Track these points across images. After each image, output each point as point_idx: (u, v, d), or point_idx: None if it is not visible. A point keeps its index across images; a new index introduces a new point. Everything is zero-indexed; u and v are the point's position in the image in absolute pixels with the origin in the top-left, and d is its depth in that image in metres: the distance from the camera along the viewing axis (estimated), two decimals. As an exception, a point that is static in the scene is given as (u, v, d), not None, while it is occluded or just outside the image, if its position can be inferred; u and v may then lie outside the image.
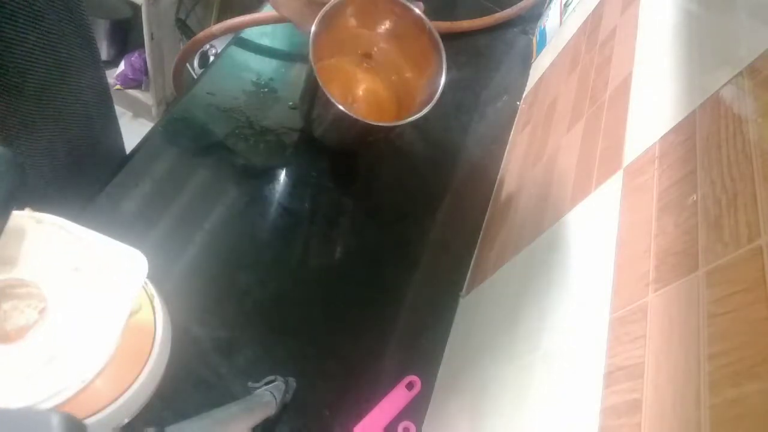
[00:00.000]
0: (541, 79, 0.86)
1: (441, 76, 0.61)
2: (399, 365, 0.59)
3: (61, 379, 0.31)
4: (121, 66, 1.61)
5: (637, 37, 0.53)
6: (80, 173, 0.65)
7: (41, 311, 0.34)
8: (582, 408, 0.33)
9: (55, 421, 0.26)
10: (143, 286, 0.50)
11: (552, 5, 0.95)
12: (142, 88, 1.63)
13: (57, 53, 0.54)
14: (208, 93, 0.72)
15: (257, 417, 0.48)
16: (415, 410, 0.57)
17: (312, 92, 0.61)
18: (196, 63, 1.51)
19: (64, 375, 0.31)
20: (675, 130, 0.38)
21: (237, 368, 0.54)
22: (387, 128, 0.63)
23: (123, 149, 0.77)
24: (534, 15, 1.03)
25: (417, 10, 0.62)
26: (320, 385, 0.56)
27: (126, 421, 0.47)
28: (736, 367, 0.24)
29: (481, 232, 0.73)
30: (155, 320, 0.49)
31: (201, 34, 0.78)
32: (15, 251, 0.35)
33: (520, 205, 0.65)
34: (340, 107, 0.56)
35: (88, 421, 0.43)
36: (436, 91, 0.60)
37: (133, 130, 0.78)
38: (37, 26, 0.51)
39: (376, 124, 0.59)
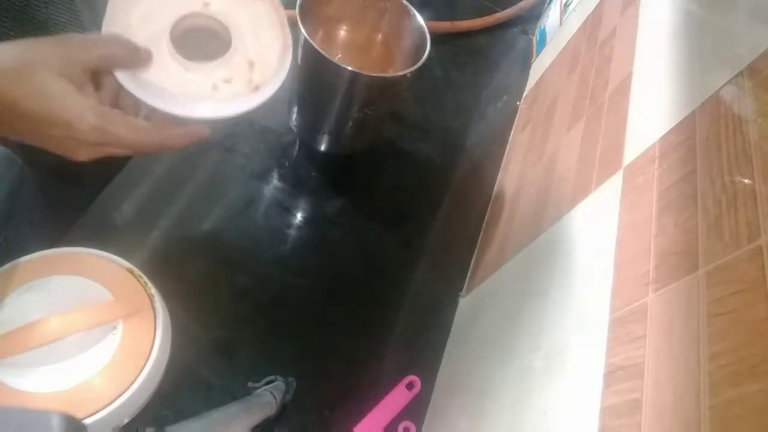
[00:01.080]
0: (541, 79, 0.86)
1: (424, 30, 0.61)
2: (399, 365, 0.59)
3: (268, 69, 0.45)
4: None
5: (637, 37, 0.53)
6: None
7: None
8: (582, 408, 0.33)
9: (55, 421, 0.26)
10: (143, 287, 0.50)
11: (552, 5, 0.95)
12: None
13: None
14: (208, 93, 0.72)
15: (257, 417, 0.48)
16: (415, 410, 0.57)
17: (312, 68, 0.59)
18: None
19: (269, 68, 0.45)
20: (675, 130, 0.38)
21: (237, 368, 0.54)
22: (394, 84, 0.61)
23: None
24: (534, 15, 1.03)
25: None
26: (320, 385, 0.56)
27: (126, 421, 0.47)
28: (736, 367, 0.24)
29: (481, 232, 0.73)
30: (155, 320, 0.49)
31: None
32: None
33: (520, 205, 0.65)
34: (349, 68, 0.54)
35: (88, 421, 0.43)
36: (425, 41, 0.60)
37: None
38: (71, 6, 0.53)
39: (386, 75, 0.58)
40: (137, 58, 0.39)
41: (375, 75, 0.57)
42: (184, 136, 0.42)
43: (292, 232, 0.65)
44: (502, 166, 0.81)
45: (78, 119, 0.35)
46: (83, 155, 0.38)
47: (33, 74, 0.34)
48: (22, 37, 0.44)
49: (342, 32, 0.70)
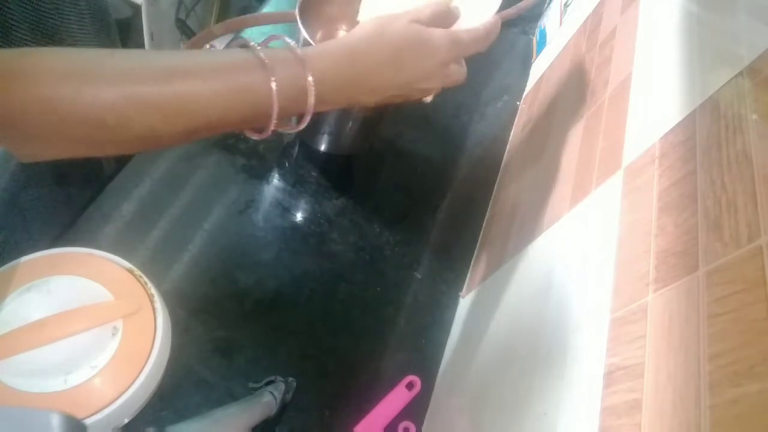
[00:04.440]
0: (541, 79, 0.86)
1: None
2: (399, 365, 0.59)
3: None
4: (122, 66, 1.60)
5: (637, 37, 0.53)
6: (94, 161, 0.66)
7: None
8: (582, 408, 0.33)
9: (55, 421, 0.26)
10: (143, 286, 0.50)
11: (552, 5, 0.95)
12: (143, 88, 1.62)
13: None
14: (208, 93, 0.72)
15: (257, 417, 0.48)
16: (415, 410, 0.57)
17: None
18: (196, 63, 1.50)
19: None
20: (675, 130, 0.38)
21: (237, 368, 0.54)
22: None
23: None
24: (534, 15, 1.03)
25: None
26: (320, 385, 0.56)
27: (126, 421, 0.47)
28: (736, 367, 0.24)
29: (481, 232, 0.73)
30: (155, 320, 0.49)
31: (201, 34, 0.78)
32: None
33: (520, 205, 0.65)
34: None
35: (88, 421, 0.43)
36: None
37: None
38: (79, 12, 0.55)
39: None
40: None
41: None
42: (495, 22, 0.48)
43: (292, 232, 0.65)
44: (502, 166, 0.81)
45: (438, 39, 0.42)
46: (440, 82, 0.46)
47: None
48: (37, 43, 0.45)
49: (342, 32, 0.70)
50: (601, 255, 0.39)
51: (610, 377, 0.32)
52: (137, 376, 0.46)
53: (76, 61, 0.29)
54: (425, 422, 0.57)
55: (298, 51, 0.36)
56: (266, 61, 0.34)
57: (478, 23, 0.48)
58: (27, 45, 0.49)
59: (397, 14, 0.42)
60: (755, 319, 0.24)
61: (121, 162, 0.64)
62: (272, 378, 0.53)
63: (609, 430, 0.30)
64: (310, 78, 0.36)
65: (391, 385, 0.57)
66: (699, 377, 0.26)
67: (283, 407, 0.52)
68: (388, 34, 0.40)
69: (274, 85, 0.34)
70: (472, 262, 0.70)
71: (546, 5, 1.00)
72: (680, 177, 0.35)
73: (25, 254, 0.49)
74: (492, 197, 0.77)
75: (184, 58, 0.33)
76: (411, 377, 0.58)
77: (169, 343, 0.51)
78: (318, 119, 0.66)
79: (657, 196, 0.36)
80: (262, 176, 0.68)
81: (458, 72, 0.47)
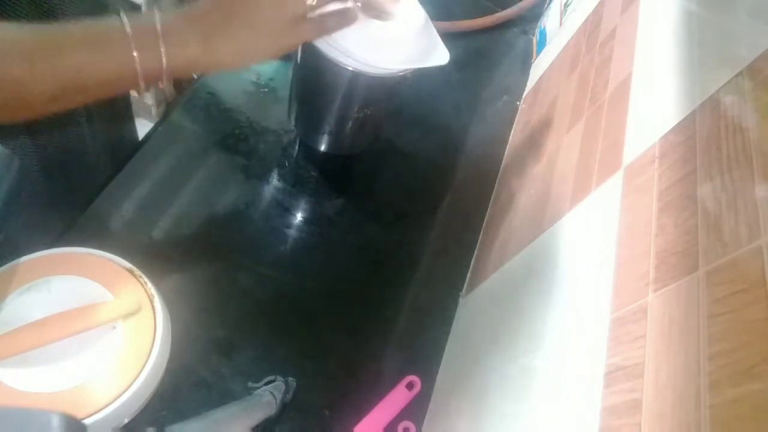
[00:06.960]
0: (541, 79, 0.86)
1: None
2: (399, 365, 0.59)
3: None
4: (121, 66, 1.60)
5: (637, 37, 0.53)
6: (94, 161, 0.66)
7: None
8: (582, 408, 0.33)
9: (55, 421, 0.26)
10: (143, 286, 0.50)
11: (552, 5, 0.95)
12: (142, 88, 1.62)
13: None
14: (208, 93, 0.72)
15: (257, 417, 0.48)
16: (415, 410, 0.57)
17: (312, 68, 0.59)
18: (196, 63, 1.50)
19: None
20: (675, 130, 0.38)
21: (237, 368, 0.54)
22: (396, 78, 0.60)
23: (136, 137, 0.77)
24: (534, 15, 1.03)
25: None
26: (320, 385, 0.56)
27: (126, 421, 0.47)
28: (736, 367, 0.24)
29: (481, 232, 0.73)
30: (155, 320, 0.49)
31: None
32: None
33: (520, 205, 0.65)
34: (349, 68, 0.54)
35: (88, 421, 0.43)
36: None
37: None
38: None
39: (386, 75, 0.56)
40: None
41: (375, 75, 0.57)
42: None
43: (292, 232, 0.65)
44: (502, 166, 0.81)
45: None
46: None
47: None
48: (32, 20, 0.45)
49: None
50: (601, 255, 0.39)
51: (610, 377, 0.32)
52: (137, 376, 0.46)
53: None
54: (425, 422, 0.57)
55: (159, 27, 0.38)
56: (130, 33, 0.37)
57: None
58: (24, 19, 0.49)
59: None
60: (755, 319, 0.24)
61: (121, 162, 0.64)
62: (272, 378, 0.53)
63: (609, 430, 0.30)
64: (162, 48, 0.38)
65: (391, 385, 0.57)
66: (699, 377, 0.26)
67: (283, 407, 0.52)
68: None
69: (136, 55, 0.37)
70: (472, 262, 0.70)
71: (546, 5, 1.00)
72: (680, 177, 0.35)
73: (25, 254, 0.49)
74: (492, 197, 0.77)
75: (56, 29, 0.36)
76: (411, 377, 0.58)
77: (169, 343, 0.51)
78: (318, 119, 0.66)
79: (657, 196, 0.36)
80: (262, 176, 0.68)
81: None
